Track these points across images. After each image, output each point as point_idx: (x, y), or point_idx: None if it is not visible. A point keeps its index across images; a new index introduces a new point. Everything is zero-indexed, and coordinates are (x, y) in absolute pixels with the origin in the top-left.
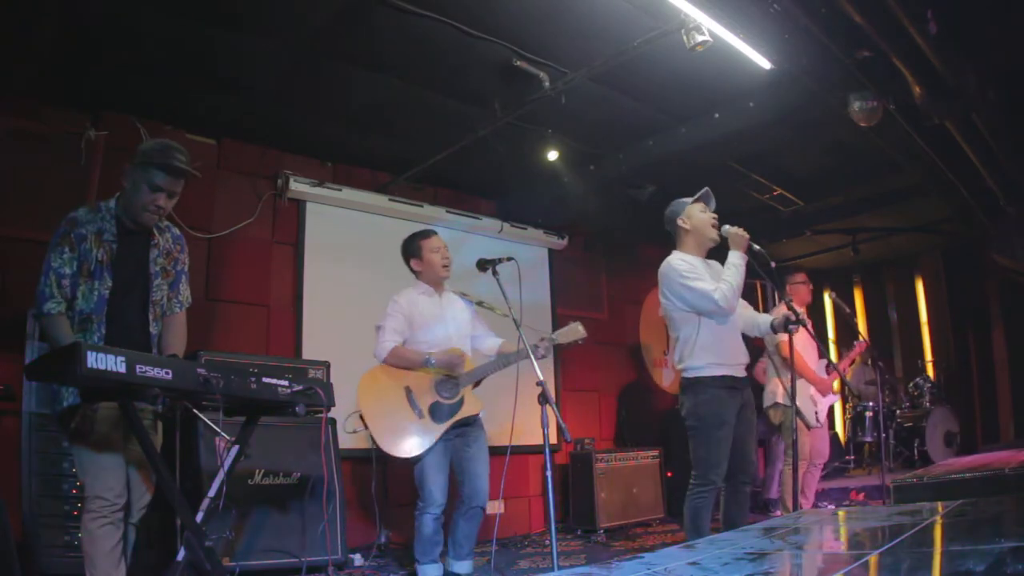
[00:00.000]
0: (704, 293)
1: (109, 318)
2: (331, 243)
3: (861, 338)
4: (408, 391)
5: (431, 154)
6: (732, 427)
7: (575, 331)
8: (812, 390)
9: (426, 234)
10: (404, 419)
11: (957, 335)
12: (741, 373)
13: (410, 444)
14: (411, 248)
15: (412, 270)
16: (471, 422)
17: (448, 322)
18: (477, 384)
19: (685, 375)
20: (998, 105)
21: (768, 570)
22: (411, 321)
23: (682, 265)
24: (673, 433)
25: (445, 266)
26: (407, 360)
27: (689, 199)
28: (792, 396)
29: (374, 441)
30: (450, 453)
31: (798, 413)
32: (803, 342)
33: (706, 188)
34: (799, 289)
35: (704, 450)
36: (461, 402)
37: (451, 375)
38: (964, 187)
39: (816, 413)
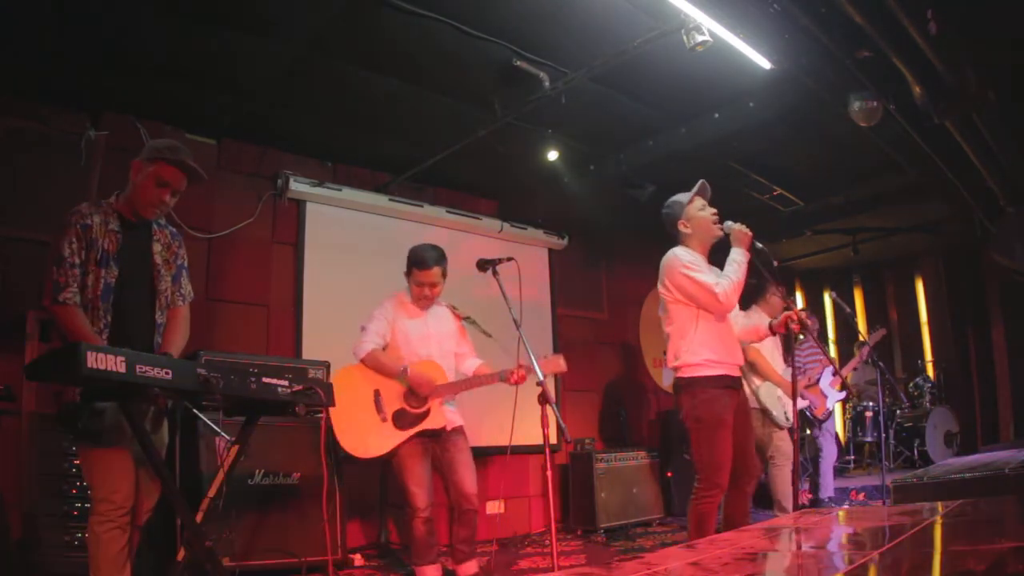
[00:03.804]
0: (706, 286)
1: (116, 307)
2: (331, 243)
3: (865, 338)
4: (377, 394)
5: (431, 154)
6: (731, 428)
7: (557, 364)
8: (780, 391)
9: (420, 263)
10: (366, 419)
11: (957, 335)
12: (736, 373)
13: (367, 444)
14: (407, 266)
15: None
16: (435, 436)
17: (430, 337)
18: (450, 399)
19: (681, 375)
20: (998, 105)
21: (768, 570)
22: (395, 328)
23: (687, 256)
24: (673, 433)
25: (424, 300)
26: (383, 366)
27: (685, 196)
28: (794, 397)
29: (335, 440)
30: (430, 459)
31: (767, 414)
32: (770, 347)
33: (701, 181)
34: (774, 303)
35: (708, 453)
36: (426, 414)
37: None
38: (964, 187)
39: (785, 414)
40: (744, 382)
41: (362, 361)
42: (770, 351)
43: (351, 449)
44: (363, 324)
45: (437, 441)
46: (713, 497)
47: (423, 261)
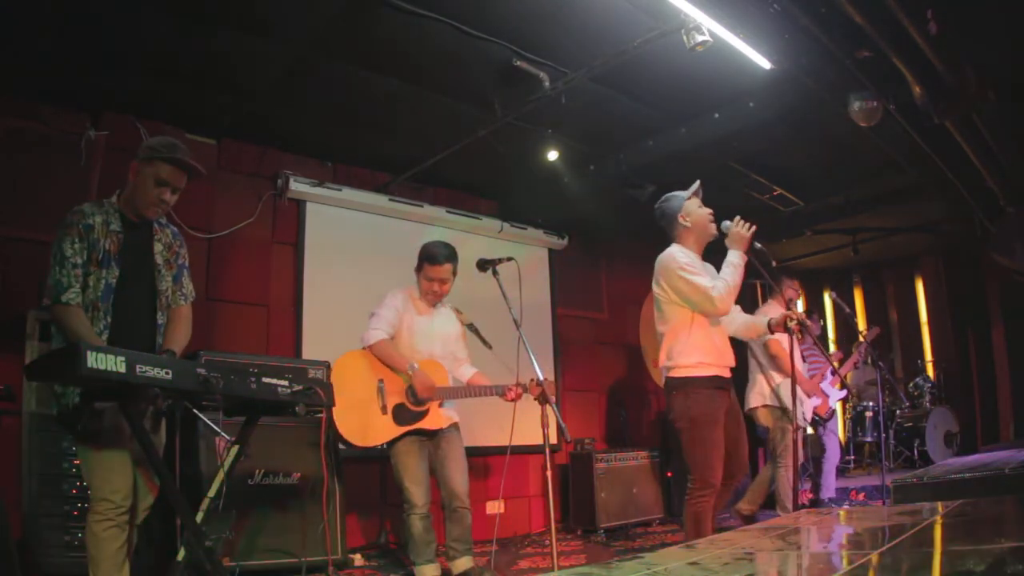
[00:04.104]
0: (702, 289)
1: (116, 307)
2: (331, 243)
3: (862, 335)
4: (381, 384)
5: (431, 154)
6: (724, 427)
7: (550, 387)
8: (799, 389)
9: (432, 258)
10: (367, 409)
11: (957, 335)
12: (727, 374)
13: (364, 434)
14: (419, 262)
15: None
16: (432, 435)
17: (434, 335)
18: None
19: (673, 375)
20: (998, 105)
21: (768, 570)
22: (401, 321)
23: (683, 257)
24: (673, 433)
25: (432, 295)
26: (392, 359)
27: (684, 193)
28: (793, 396)
29: (332, 421)
30: (427, 457)
31: (787, 413)
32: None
33: (699, 181)
34: (788, 292)
35: (702, 452)
36: (424, 413)
37: None
38: (964, 187)
39: (803, 413)
40: (764, 378)
41: (370, 348)
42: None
43: (347, 435)
44: (373, 311)
45: (432, 438)
46: (708, 497)
47: (435, 256)
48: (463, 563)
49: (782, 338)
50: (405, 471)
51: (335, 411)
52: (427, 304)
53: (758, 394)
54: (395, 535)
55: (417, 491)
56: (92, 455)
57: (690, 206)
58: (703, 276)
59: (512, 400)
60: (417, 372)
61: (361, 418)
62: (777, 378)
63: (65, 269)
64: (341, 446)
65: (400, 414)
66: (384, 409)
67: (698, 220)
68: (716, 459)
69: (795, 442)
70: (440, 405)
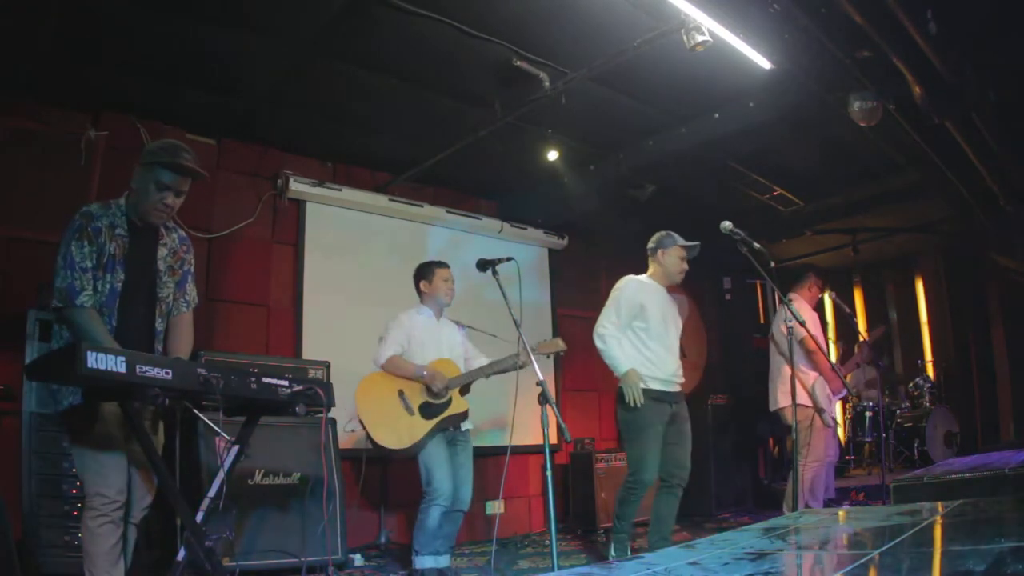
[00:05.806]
0: (603, 316)
1: (119, 312)
2: (331, 243)
3: (865, 337)
4: (401, 393)
5: (431, 154)
6: (660, 434)
7: (555, 344)
8: (828, 389)
9: (441, 264)
10: (397, 416)
11: (957, 335)
12: (672, 388)
13: (400, 436)
14: (425, 272)
15: (419, 291)
16: (458, 423)
17: (442, 343)
18: (466, 391)
19: (620, 383)
20: (998, 105)
21: (768, 570)
22: (410, 338)
23: (629, 286)
24: None
25: (448, 295)
26: (402, 369)
27: (680, 240)
28: (793, 395)
29: (370, 439)
30: (450, 456)
31: (821, 414)
32: (816, 333)
33: (698, 243)
34: (813, 289)
35: (635, 451)
36: (449, 402)
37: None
38: (964, 187)
39: (833, 416)
40: (798, 380)
41: (383, 366)
42: (817, 336)
43: (388, 443)
44: (381, 336)
45: (451, 441)
46: (635, 488)
47: (440, 263)
48: (446, 560)
49: (817, 334)
50: (436, 464)
51: (370, 430)
52: (440, 310)
53: (785, 394)
54: (395, 535)
55: (444, 482)
56: (86, 453)
57: (674, 252)
58: (614, 313)
59: (524, 365)
60: (426, 371)
61: (394, 427)
62: (811, 377)
63: (76, 272)
64: (381, 443)
65: (427, 410)
66: (411, 411)
67: (670, 267)
68: (649, 459)
69: (795, 442)
70: (459, 394)
